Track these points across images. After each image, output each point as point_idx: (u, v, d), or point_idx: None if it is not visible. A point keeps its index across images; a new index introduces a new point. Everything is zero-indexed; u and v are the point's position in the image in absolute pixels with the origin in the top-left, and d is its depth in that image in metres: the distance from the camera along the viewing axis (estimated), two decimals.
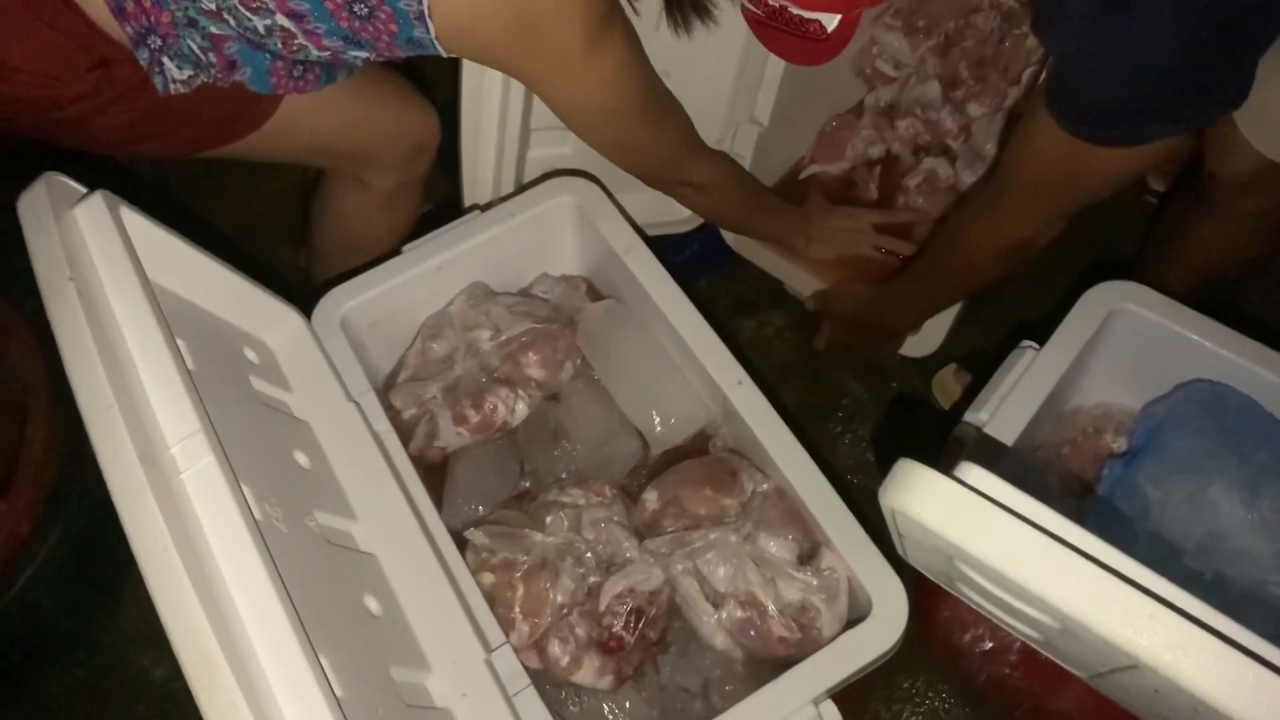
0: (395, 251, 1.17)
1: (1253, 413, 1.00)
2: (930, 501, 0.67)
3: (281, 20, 0.92)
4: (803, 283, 1.49)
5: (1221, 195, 1.14)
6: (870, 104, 1.57)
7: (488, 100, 1.18)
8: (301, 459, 0.95)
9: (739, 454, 1.08)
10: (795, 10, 0.83)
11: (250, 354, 1.01)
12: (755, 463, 1.06)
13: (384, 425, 1.05)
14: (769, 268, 1.50)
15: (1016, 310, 1.52)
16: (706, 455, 1.09)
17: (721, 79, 1.35)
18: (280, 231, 1.67)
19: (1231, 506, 0.94)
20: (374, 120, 1.19)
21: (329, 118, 1.14)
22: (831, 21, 0.84)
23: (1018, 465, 1.10)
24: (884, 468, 1.40)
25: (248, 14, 0.91)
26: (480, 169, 1.26)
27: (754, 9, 0.86)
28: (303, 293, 1.14)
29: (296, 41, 0.94)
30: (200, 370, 0.88)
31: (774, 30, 0.89)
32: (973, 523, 0.65)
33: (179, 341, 0.87)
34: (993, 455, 0.98)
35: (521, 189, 1.26)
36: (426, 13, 0.90)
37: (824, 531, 0.97)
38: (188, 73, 0.97)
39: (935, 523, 0.67)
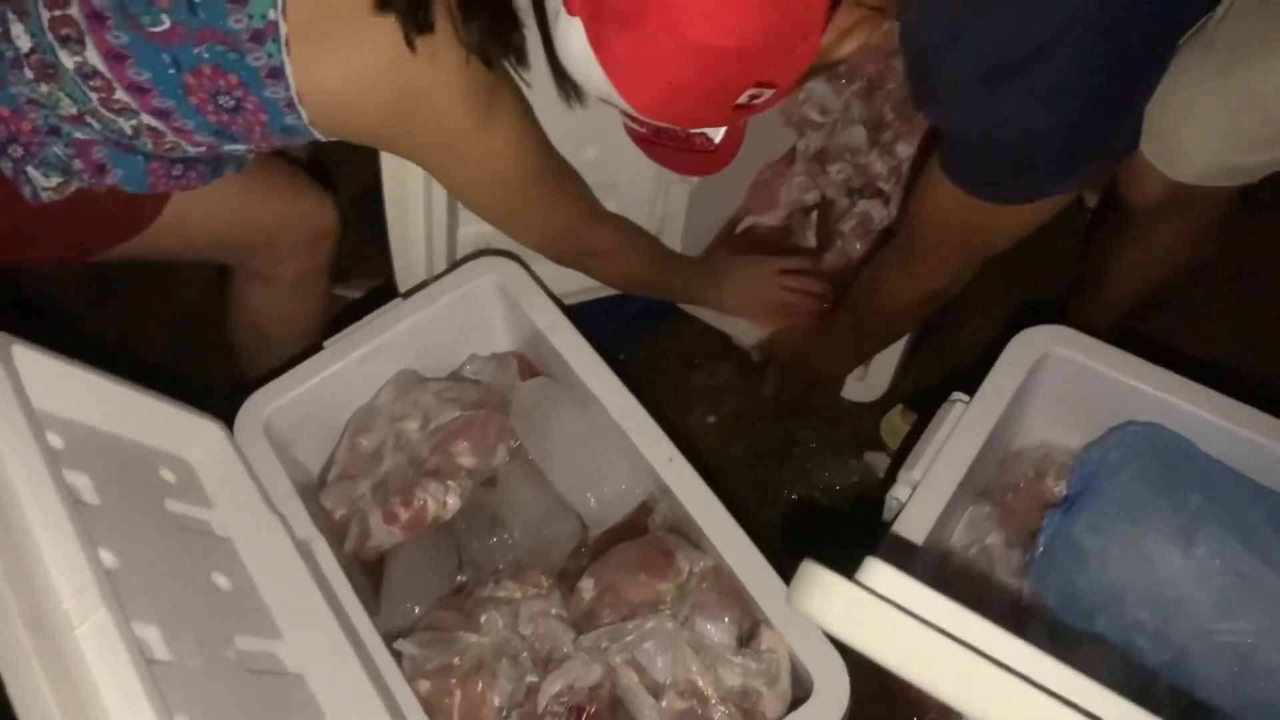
0: (317, 346, 1.15)
1: (1187, 453, 0.99)
2: (832, 609, 0.65)
3: (148, 120, 0.90)
4: (745, 332, 1.48)
5: (1140, 219, 1.13)
6: (801, 150, 1.56)
7: (410, 180, 1.16)
8: (222, 581, 0.93)
9: (676, 532, 1.06)
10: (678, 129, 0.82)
11: (167, 475, 0.98)
12: (692, 539, 1.05)
13: (310, 532, 1.03)
14: (711, 321, 1.49)
15: (966, 343, 1.51)
16: (643, 535, 1.07)
17: None
18: (203, 333, 1.62)
19: (1169, 555, 0.93)
20: (267, 212, 1.17)
21: (219, 212, 1.11)
22: (717, 134, 0.83)
23: (957, 523, 1.09)
24: (815, 535, 1.42)
25: (111, 116, 0.90)
26: (411, 250, 1.25)
27: (636, 128, 0.84)
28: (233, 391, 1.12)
29: (167, 140, 0.93)
30: (106, 505, 0.86)
31: (660, 146, 0.88)
32: (875, 630, 0.64)
33: (82, 478, 0.86)
34: (922, 524, 0.97)
35: (452, 268, 1.25)
36: (296, 100, 0.89)
37: (762, 610, 0.95)
38: (56, 180, 0.96)
39: (839, 629, 0.65)
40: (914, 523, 0.98)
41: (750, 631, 0.97)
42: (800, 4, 0.73)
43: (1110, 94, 0.79)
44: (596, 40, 0.74)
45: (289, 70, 0.88)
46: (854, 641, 0.65)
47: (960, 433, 1.02)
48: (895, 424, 1.45)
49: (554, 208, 1.09)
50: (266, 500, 1.02)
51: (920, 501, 0.99)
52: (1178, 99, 0.79)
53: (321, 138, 0.95)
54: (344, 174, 1.57)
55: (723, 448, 1.50)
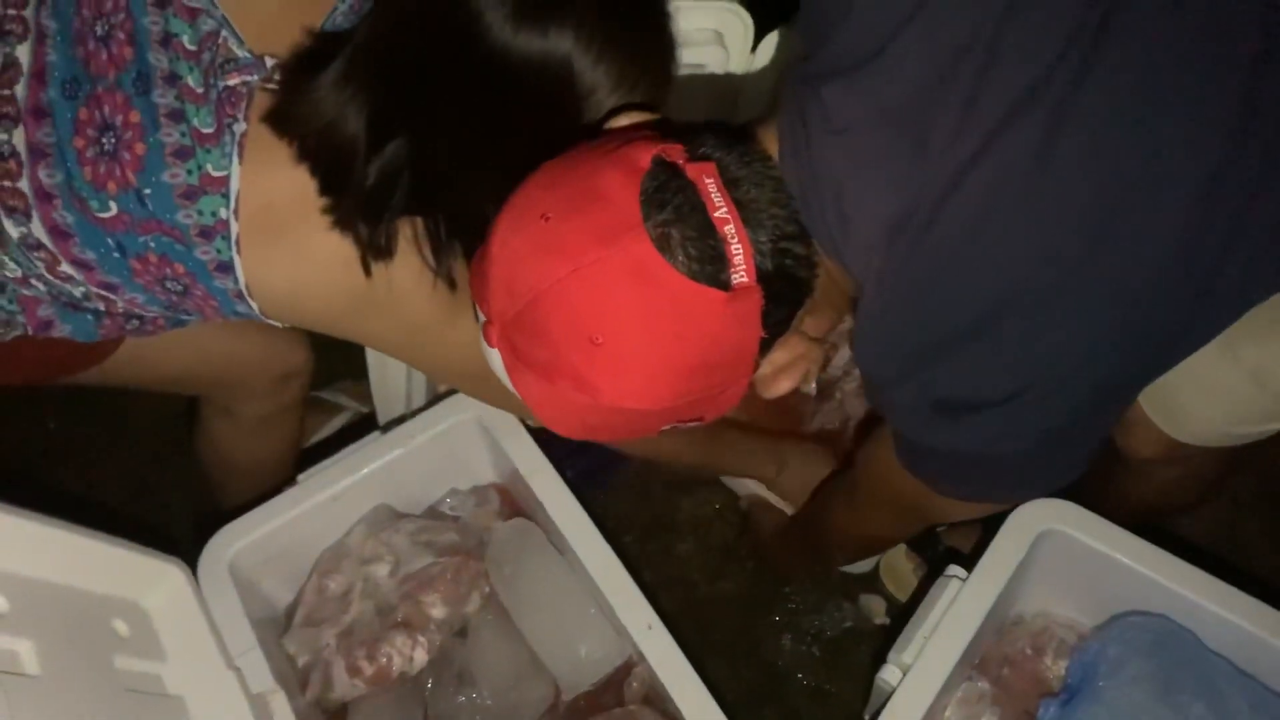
0: (290, 479, 1.11)
1: (1190, 650, 0.94)
2: None
3: (96, 290, 0.87)
4: (738, 483, 1.43)
5: (1137, 464, 1.07)
6: None
7: None
8: None
9: (652, 706, 1.01)
10: None
11: (120, 626, 0.93)
12: (669, 711, 0.99)
13: (268, 684, 0.98)
14: None
15: None
16: (618, 708, 1.02)
17: None
18: (169, 462, 1.56)
19: None
20: (233, 352, 1.12)
21: (180, 352, 1.06)
22: None
23: (950, 699, 1.04)
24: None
25: (58, 281, 0.86)
26: (390, 383, 1.21)
27: None
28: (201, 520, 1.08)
29: (119, 305, 0.89)
30: (48, 673, 0.81)
31: None
32: None
33: (24, 644, 0.82)
34: (914, 714, 0.91)
35: (435, 400, 1.21)
36: (246, 293, 0.85)
37: None
38: None
39: None
40: (905, 710, 0.93)
41: None
42: (726, 369, 0.71)
43: (1077, 431, 0.75)
44: (513, 374, 0.72)
45: (238, 267, 0.85)
46: None
47: (956, 612, 0.98)
48: (896, 564, 1.40)
49: None
50: (224, 653, 0.97)
51: (912, 687, 0.94)
52: (1184, 366, 0.75)
53: (280, 325, 0.92)
54: None
55: (711, 582, 1.44)
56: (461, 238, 0.86)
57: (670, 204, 0.68)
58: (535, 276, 0.68)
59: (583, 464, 1.38)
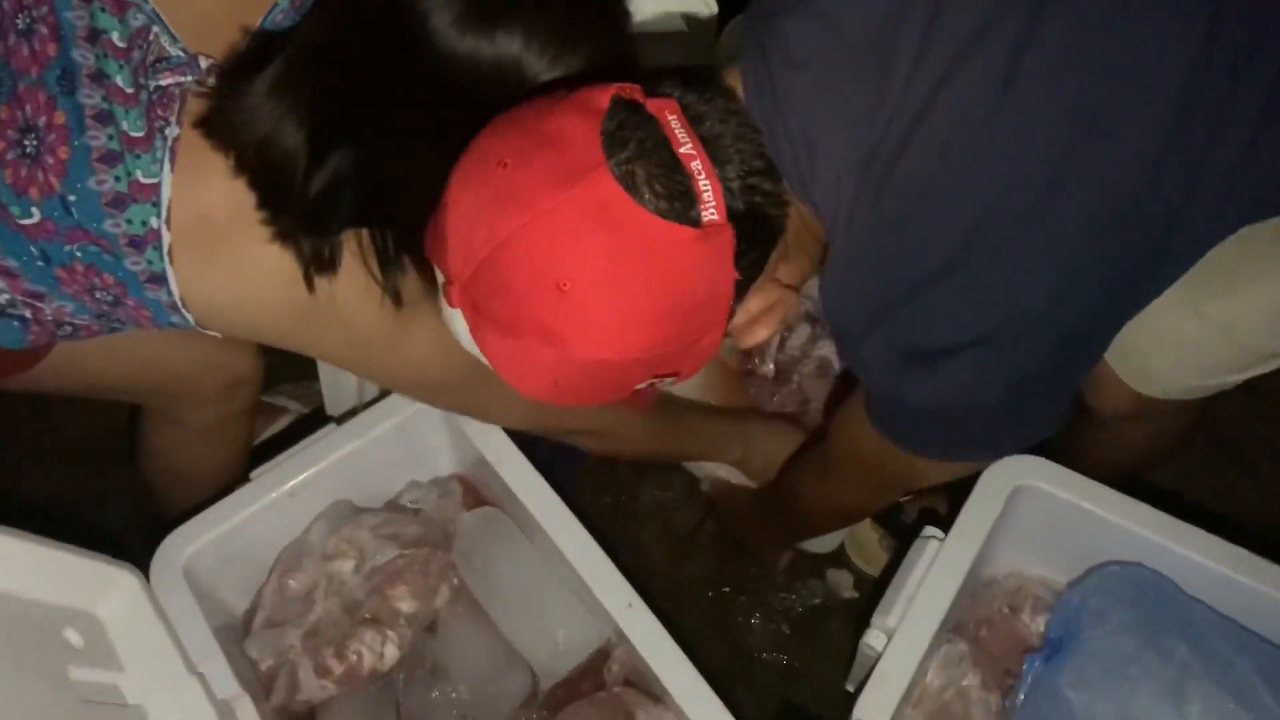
0: (243, 478, 1.06)
1: (1169, 596, 0.94)
2: None
3: (21, 298, 0.82)
4: (700, 468, 1.42)
5: (1107, 422, 1.08)
6: None
7: None
8: None
9: (634, 686, 0.98)
10: None
11: (72, 636, 0.88)
12: (653, 692, 0.97)
13: (233, 690, 0.93)
14: None
15: None
16: (600, 692, 0.99)
17: None
18: (109, 464, 1.47)
19: (1160, 715, 0.87)
20: (172, 359, 1.05)
21: (116, 359, 1.00)
22: None
23: (931, 663, 1.03)
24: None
25: None
26: (341, 377, 1.17)
27: None
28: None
29: (47, 314, 0.84)
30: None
31: None
32: None
33: None
34: (902, 674, 0.91)
35: (386, 393, 1.16)
36: (181, 305, 0.81)
37: None
38: None
39: None
40: (893, 674, 0.92)
41: None
42: (699, 313, 0.68)
43: (1046, 383, 0.75)
44: (477, 334, 0.69)
45: (171, 279, 0.80)
46: None
47: (937, 572, 0.97)
48: (862, 538, 1.40)
49: (510, 395, 1.02)
50: (184, 658, 0.93)
51: (899, 649, 0.93)
52: (1150, 322, 0.76)
53: (219, 336, 0.88)
54: None
55: (677, 567, 1.42)
56: (409, 250, 0.81)
57: (633, 141, 0.65)
58: (494, 226, 0.64)
59: (542, 455, 1.35)
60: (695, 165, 0.66)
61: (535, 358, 0.67)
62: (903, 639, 0.94)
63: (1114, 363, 0.98)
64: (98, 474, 1.47)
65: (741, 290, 0.71)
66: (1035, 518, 1.02)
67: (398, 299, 0.82)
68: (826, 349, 1.38)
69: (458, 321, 0.69)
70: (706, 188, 0.66)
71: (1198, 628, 0.92)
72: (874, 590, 1.32)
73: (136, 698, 0.89)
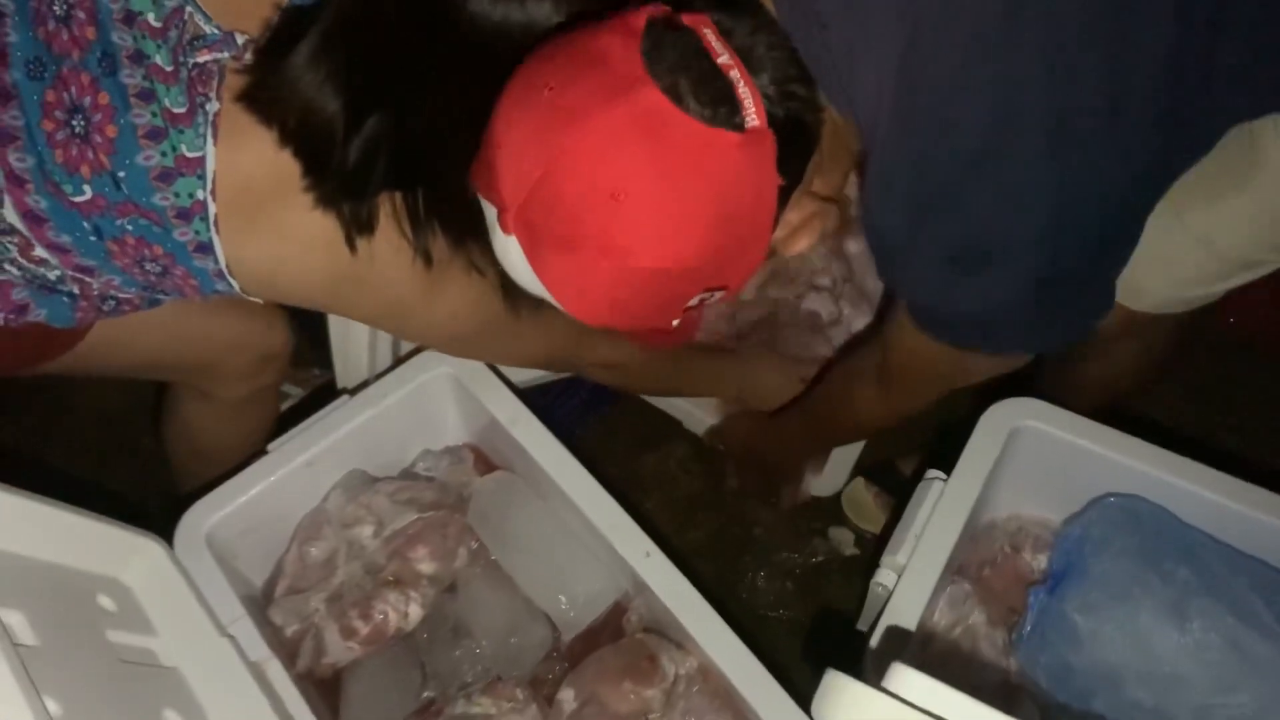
0: (260, 450, 1.08)
1: (1167, 524, 0.98)
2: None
3: (72, 273, 0.84)
4: (695, 421, 1.45)
5: (1096, 342, 1.11)
6: None
7: None
8: (173, 718, 0.85)
9: (655, 631, 1.01)
10: None
11: (105, 601, 0.90)
12: (674, 638, 1.00)
13: (263, 653, 0.95)
14: (662, 405, 1.46)
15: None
16: (621, 640, 1.01)
17: None
18: (128, 439, 1.54)
19: (1163, 632, 0.91)
20: (209, 334, 1.09)
21: (155, 334, 1.03)
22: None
23: (938, 603, 1.06)
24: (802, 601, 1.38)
25: (32, 265, 0.83)
26: (352, 349, 1.18)
27: None
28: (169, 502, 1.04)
29: (94, 289, 0.87)
30: (46, 644, 0.77)
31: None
32: None
33: (15, 615, 0.78)
34: (913, 610, 0.94)
35: (397, 363, 1.19)
36: (227, 272, 0.84)
37: (755, 712, 0.91)
38: None
39: None
40: (904, 609, 0.95)
41: None
42: (747, 219, 0.70)
43: (1090, 268, 0.77)
44: (534, 259, 0.70)
45: (218, 248, 0.84)
46: None
47: (942, 512, 1.00)
48: (859, 497, 1.43)
49: (532, 343, 1.03)
50: (215, 622, 0.94)
51: (909, 587, 0.96)
52: None
53: (262, 302, 0.91)
54: None
55: (680, 534, 1.45)
56: (440, 214, 0.85)
57: (673, 54, 0.68)
58: (545, 146, 0.66)
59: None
60: (734, 74, 0.68)
61: (594, 273, 0.69)
62: (912, 575, 0.97)
63: None
64: (118, 448, 1.50)
65: (783, 199, 0.73)
66: (1033, 458, 1.06)
67: (428, 258, 0.86)
68: (813, 303, 1.42)
69: (512, 252, 0.71)
70: (746, 95, 0.68)
71: (1196, 552, 0.95)
72: (875, 548, 1.36)
73: (171, 660, 0.91)
